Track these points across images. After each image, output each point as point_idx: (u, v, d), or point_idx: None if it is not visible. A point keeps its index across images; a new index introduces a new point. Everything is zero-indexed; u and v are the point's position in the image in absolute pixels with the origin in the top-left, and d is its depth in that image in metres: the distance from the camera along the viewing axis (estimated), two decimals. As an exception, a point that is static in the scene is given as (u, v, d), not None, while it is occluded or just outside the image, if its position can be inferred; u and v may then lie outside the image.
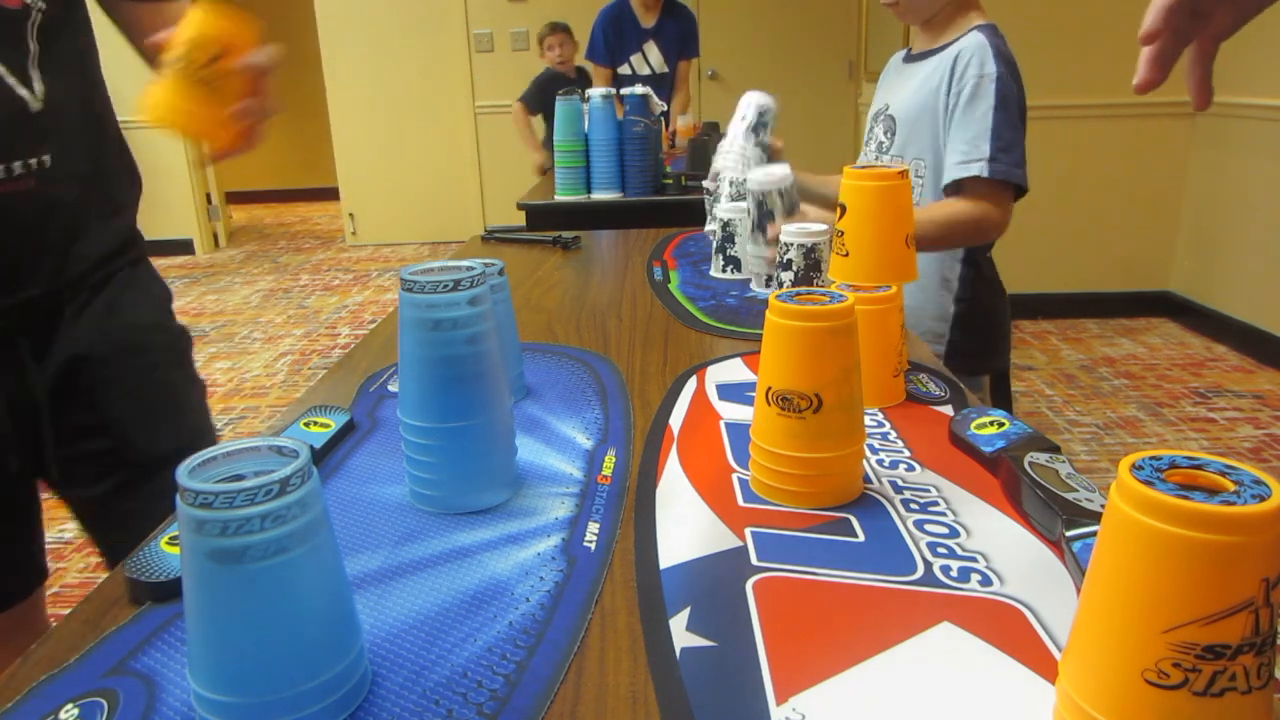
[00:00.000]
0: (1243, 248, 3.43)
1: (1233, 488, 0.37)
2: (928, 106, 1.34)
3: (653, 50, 3.60)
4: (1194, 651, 0.36)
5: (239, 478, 0.44)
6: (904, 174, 0.83)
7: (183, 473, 0.43)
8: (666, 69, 3.62)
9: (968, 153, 1.27)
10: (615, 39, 3.58)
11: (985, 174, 1.26)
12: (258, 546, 0.42)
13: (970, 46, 1.30)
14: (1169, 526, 0.36)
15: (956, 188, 1.30)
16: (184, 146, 5.54)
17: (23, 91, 0.86)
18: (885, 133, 1.42)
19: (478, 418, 0.67)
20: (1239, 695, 0.36)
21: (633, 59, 3.61)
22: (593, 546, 0.62)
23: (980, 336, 1.46)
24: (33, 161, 0.87)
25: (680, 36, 3.61)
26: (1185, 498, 0.36)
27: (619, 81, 3.61)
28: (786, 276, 1.04)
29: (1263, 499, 0.36)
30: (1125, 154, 3.70)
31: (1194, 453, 0.40)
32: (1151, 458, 0.40)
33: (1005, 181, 1.27)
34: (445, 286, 0.63)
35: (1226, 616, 0.36)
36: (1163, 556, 0.37)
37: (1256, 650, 0.36)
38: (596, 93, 2.19)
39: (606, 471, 0.73)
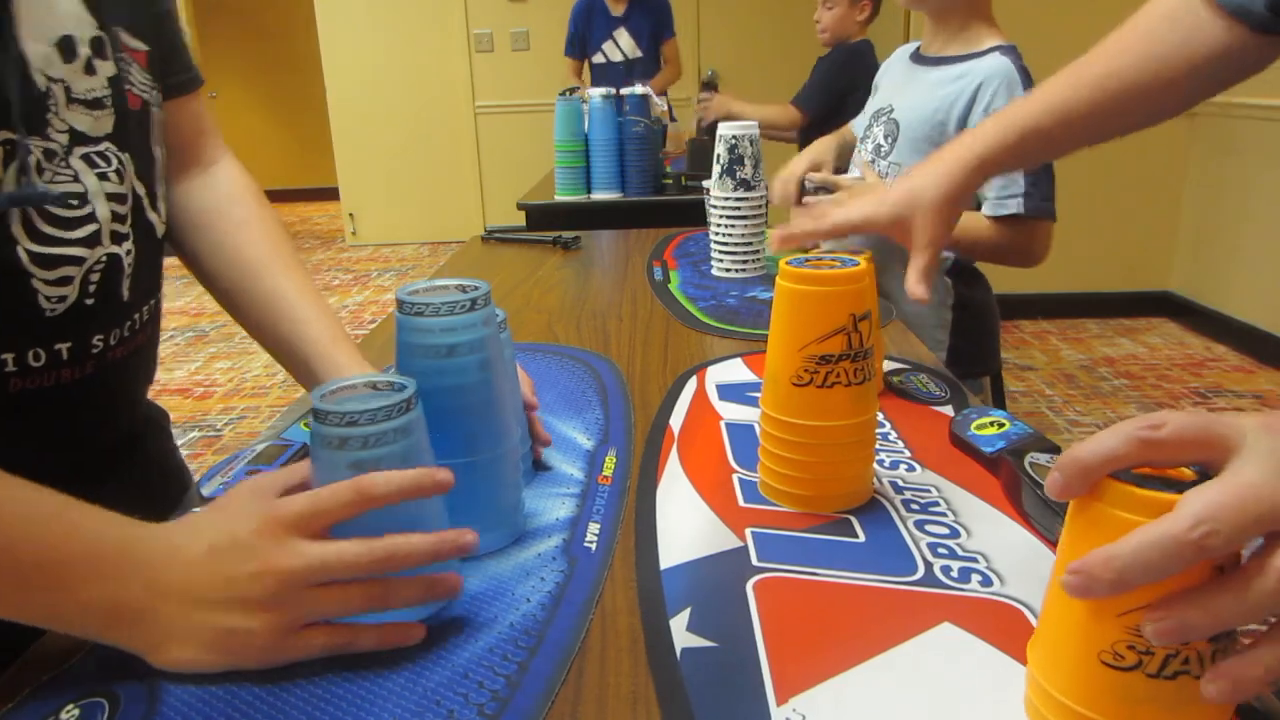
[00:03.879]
0: (1243, 248, 3.43)
1: (1194, 477, 0.38)
2: (936, 123, 1.30)
3: (623, 36, 3.68)
4: None
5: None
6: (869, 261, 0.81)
7: (316, 398, 0.50)
8: (639, 53, 3.69)
9: (1004, 187, 1.25)
10: (586, 30, 3.69)
11: (1022, 211, 1.24)
12: (389, 457, 0.50)
13: (996, 74, 1.24)
14: (1121, 512, 0.37)
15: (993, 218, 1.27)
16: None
17: (152, 216, 0.68)
18: (885, 136, 1.39)
19: (475, 455, 0.60)
20: (1191, 679, 0.37)
21: (604, 46, 3.70)
22: (593, 547, 0.62)
23: (977, 338, 1.44)
24: (152, 301, 0.71)
25: (653, 21, 3.68)
26: (1137, 484, 0.37)
27: (592, 71, 3.72)
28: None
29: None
30: (1125, 154, 3.69)
31: None
32: None
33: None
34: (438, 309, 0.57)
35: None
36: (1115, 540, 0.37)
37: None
38: (596, 92, 2.19)
39: (607, 472, 0.73)
